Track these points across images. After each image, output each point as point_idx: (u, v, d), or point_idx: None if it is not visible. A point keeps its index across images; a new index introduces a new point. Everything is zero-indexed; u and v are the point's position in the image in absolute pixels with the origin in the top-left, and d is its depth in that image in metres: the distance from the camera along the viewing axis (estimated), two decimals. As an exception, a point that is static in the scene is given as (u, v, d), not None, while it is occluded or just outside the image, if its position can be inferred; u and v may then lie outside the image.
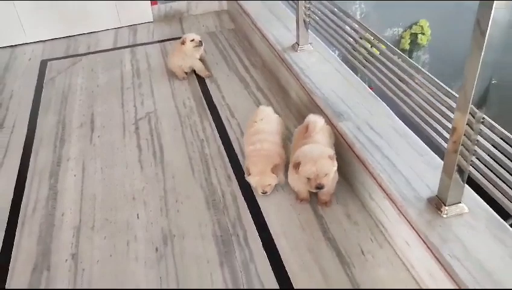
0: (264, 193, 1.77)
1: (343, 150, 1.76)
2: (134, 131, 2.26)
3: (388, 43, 1.70)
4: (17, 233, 1.75)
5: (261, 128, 1.85)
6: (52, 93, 2.65)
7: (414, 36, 3.97)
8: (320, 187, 1.56)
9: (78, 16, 3.24)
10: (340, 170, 1.70)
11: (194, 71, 2.67)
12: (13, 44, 3.22)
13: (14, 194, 1.94)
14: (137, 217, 1.77)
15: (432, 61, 4.20)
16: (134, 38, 3.22)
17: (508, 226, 1.30)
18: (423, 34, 3.92)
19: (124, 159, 2.08)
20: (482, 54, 1.09)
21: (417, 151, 1.63)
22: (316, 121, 1.73)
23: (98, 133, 2.27)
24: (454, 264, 1.22)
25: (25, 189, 1.96)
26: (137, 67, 2.83)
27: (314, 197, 1.76)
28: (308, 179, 1.56)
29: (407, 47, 4.06)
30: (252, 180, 1.77)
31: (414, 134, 1.71)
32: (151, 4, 3.39)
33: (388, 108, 1.86)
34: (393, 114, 1.83)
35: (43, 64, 2.98)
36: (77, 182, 1.97)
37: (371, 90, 1.99)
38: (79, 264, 1.61)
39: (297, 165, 1.57)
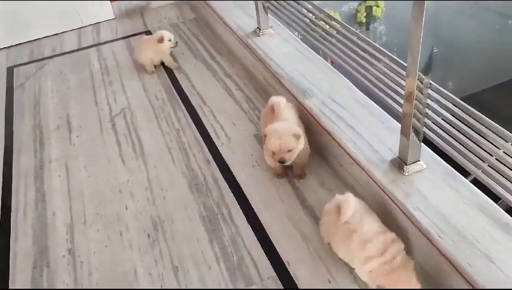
0: (282, 161, 1.70)
1: (311, 124, 1.89)
2: (111, 128, 2.34)
3: (340, 20, 1.84)
4: (12, 236, 1.83)
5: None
6: (23, 99, 2.69)
7: (369, 9, 4.13)
8: (282, 161, 1.69)
9: (39, 19, 3.25)
10: (310, 143, 1.84)
11: (162, 64, 2.75)
12: (-25, 54, 3.22)
13: (1, 200, 2.01)
14: (126, 209, 1.87)
15: (387, 31, 4.37)
16: (99, 36, 3.26)
17: (459, 175, 1.47)
18: (377, 6, 4.08)
19: (105, 155, 2.17)
20: (423, 23, 1.23)
21: (378, 118, 1.78)
22: (279, 101, 1.84)
23: (76, 133, 2.34)
24: (417, 215, 1.38)
25: (12, 194, 2.03)
26: (105, 66, 2.88)
27: (290, 172, 1.90)
28: (273, 152, 1.69)
29: (364, 20, 4.21)
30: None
31: (375, 103, 1.86)
32: (111, 1, 3.42)
33: (349, 81, 2.00)
34: (354, 87, 1.97)
35: (10, 71, 3.00)
36: (63, 182, 2.05)
37: (331, 66, 2.13)
38: (77, 257, 1.71)
39: (264, 138, 1.71)
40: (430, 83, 1.35)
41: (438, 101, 1.38)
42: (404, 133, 1.48)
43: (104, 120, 2.40)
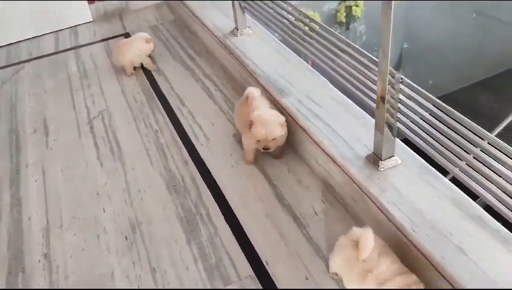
0: (267, 149, 1.77)
1: (287, 122, 1.89)
2: (89, 130, 2.31)
3: (320, 20, 1.84)
4: (-14, 242, 1.80)
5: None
6: None
7: (349, 9, 4.15)
8: (266, 149, 1.76)
9: (16, 23, 3.21)
10: (287, 141, 1.85)
11: (141, 66, 2.73)
12: (-49, 59, 3.17)
13: (-24, 206, 1.98)
14: (104, 211, 1.85)
15: (367, 30, 4.40)
16: (76, 39, 3.24)
17: (434, 169, 1.48)
18: (357, 6, 4.11)
19: (83, 158, 2.15)
20: (392, 13, 1.24)
21: (355, 116, 1.79)
22: (253, 91, 1.91)
23: (53, 136, 2.32)
24: (392, 209, 1.39)
25: (-13, 200, 2.00)
26: (83, 68, 2.86)
27: (268, 170, 1.90)
28: (258, 140, 1.74)
29: (344, 20, 4.23)
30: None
31: (352, 102, 1.86)
32: (89, 3, 3.40)
33: (326, 80, 2.01)
34: (331, 85, 1.98)
35: (-14, 75, 2.96)
36: (39, 186, 2.02)
37: (310, 66, 2.13)
38: (53, 262, 1.68)
39: (250, 124, 1.75)
40: (401, 78, 1.36)
41: (414, 99, 1.38)
42: (377, 128, 1.49)
43: (82, 123, 2.38)
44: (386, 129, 1.46)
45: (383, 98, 1.40)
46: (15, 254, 1.73)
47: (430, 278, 1.26)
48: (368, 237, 1.28)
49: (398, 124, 1.45)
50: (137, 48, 2.64)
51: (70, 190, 1.99)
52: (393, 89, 1.37)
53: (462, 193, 1.41)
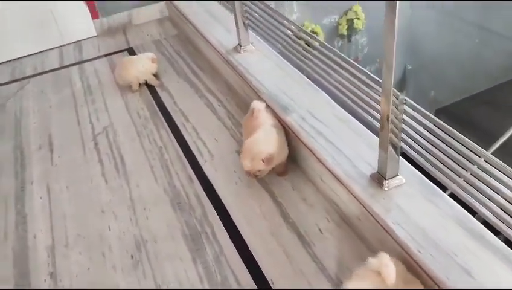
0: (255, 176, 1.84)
1: (291, 139, 1.91)
2: (94, 147, 2.33)
3: (321, 39, 1.86)
4: (-8, 260, 1.81)
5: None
6: (4, 119, 2.67)
7: (350, 21, 4.18)
8: (256, 176, 1.82)
9: (19, 38, 3.24)
10: (292, 158, 1.87)
11: (145, 81, 2.75)
12: (-44, 74, 3.20)
13: (-18, 224, 1.99)
14: (109, 229, 1.86)
15: (369, 43, 4.43)
16: (80, 54, 3.26)
17: (438, 189, 1.49)
18: (358, 18, 4.14)
19: (87, 175, 2.16)
20: (395, 34, 1.25)
21: (357, 134, 1.80)
22: (258, 105, 1.96)
23: (57, 153, 2.33)
24: (397, 230, 1.39)
25: (-7, 217, 2.01)
26: (87, 84, 2.88)
27: (272, 188, 1.91)
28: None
29: (345, 32, 4.26)
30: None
31: (354, 119, 1.88)
32: (93, 18, 3.43)
33: (328, 97, 2.02)
34: (333, 102, 1.99)
35: (-10, 91, 2.99)
36: (44, 204, 2.03)
37: (311, 82, 2.15)
38: (58, 282, 1.69)
39: (250, 123, 1.89)
40: (405, 99, 1.38)
41: (414, 118, 1.41)
42: (382, 147, 1.50)
43: (87, 139, 2.40)
44: (391, 149, 1.47)
45: (386, 118, 1.41)
46: (20, 273, 1.74)
47: (435, 299, 1.27)
48: (388, 265, 1.27)
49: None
50: (142, 66, 2.67)
51: (75, 207, 2.00)
52: (397, 109, 1.38)
53: (465, 211, 1.42)
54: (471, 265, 1.26)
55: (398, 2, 1.18)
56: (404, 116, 1.41)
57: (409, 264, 1.35)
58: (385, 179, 1.54)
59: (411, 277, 1.32)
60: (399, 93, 1.35)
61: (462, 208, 1.42)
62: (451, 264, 1.27)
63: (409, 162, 1.59)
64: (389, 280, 1.26)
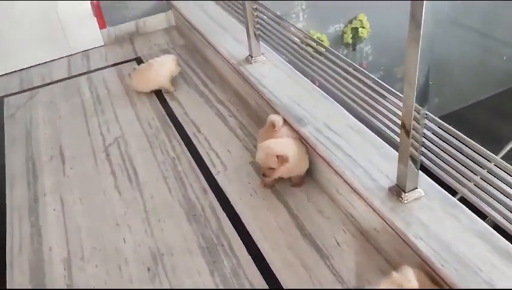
0: (264, 175, 1.85)
1: (308, 152, 1.91)
2: (105, 158, 2.33)
3: (328, 43, 1.87)
4: (7, 273, 1.80)
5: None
6: (15, 129, 2.67)
7: (355, 30, 4.20)
8: (264, 175, 1.84)
9: (27, 48, 3.25)
10: (308, 171, 1.86)
11: (158, 91, 2.77)
12: (-36, 84, 3.20)
13: (-4, 236, 1.99)
14: (124, 242, 1.86)
15: (374, 51, 4.44)
16: (88, 64, 3.27)
17: (458, 202, 1.50)
18: (363, 27, 4.15)
19: (100, 187, 2.16)
20: (420, 49, 1.26)
21: (373, 145, 1.81)
22: (279, 118, 1.96)
23: (69, 164, 2.33)
24: (419, 244, 1.39)
25: (7, 229, 2.00)
26: (97, 94, 2.88)
27: (287, 199, 1.91)
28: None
29: (350, 41, 4.28)
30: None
31: (369, 130, 1.88)
32: (100, 28, 3.43)
33: (342, 108, 2.03)
34: (348, 113, 2.00)
35: (-1, 101, 2.99)
36: (58, 216, 2.03)
37: (324, 93, 2.15)
38: (75, 294, 1.69)
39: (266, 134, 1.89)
40: (426, 114, 1.38)
41: (426, 126, 1.42)
42: (401, 161, 1.51)
43: (98, 150, 2.39)
44: (410, 162, 1.48)
45: (407, 133, 1.42)
46: (37, 286, 1.73)
47: (460, 314, 1.27)
48: (412, 281, 1.28)
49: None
50: (169, 70, 2.71)
51: (90, 219, 1.99)
52: (418, 124, 1.39)
53: (487, 225, 1.43)
54: (496, 280, 1.26)
55: (423, 16, 1.19)
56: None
57: (432, 278, 1.35)
58: (404, 192, 1.54)
59: (434, 287, 1.33)
60: (420, 108, 1.36)
61: (483, 221, 1.42)
62: (476, 279, 1.27)
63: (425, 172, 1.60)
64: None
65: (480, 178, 1.36)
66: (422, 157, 1.48)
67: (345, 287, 1.55)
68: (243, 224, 1.85)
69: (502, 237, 1.38)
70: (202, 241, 1.81)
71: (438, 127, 1.43)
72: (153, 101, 2.73)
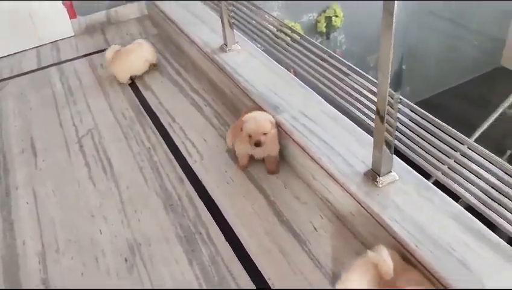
0: (258, 144, 1.81)
1: (283, 138, 1.92)
2: (79, 149, 2.29)
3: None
4: (-20, 269, 1.76)
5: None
6: (-17, 122, 2.60)
7: (329, 19, 4.22)
8: (258, 143, 1.81)
9: (-5, 39, 3.15)
10: (283, 157, 1.88)
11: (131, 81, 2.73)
12: None
13: (-34, 232, 1.93)
14: (100, 233, 1.83)
15: (347, 40, 4.48)
16: (59, 55, 3.19)
17: (432, 185, 1.53)
18: (336, 16, 4.18)
19: (74, 178, 2.12)
20: (393, 35, 1.27)
21: (349, 132, 1.83)
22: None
23: (41, 157, 2.28)
24: (394, 226, 1.42)
25: (-23, 224, 1.95)
26: (68, 85, 2.82)
27: (264, 186, 1.92)
28: (250, 136, 1.81)
29: (324, 29, 4.30)
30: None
31: (345, 117, 1.90)
32: (70, 18, 3.35)
33: (318, 95, 2.04)
34: (323, 100, 2.01)
35: (-34, 93, 2.89)
36: (31, 209, 1.99)
37: (299, 81, 2.16)
38: (52, 288, 1.65)
39: (242, 123, 1.84)
40: (400, 98, 1.40)
41: (404, 113, 1.45)
42: (376, 146, 1.53)
43: (71, 142, 2.35)
44: (385, 147, 1.50)
45: (382, 118, 1.44)
46: (12, 281, 1.70)
47: (435, 293, 1.30)
48: (386, 260, 1.31)
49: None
50: (147, 50, 2.73)
51: (64, 211, 1.96)
52: (392, 109, 1.41)
53: (460, 207, 1.47)
54: (469, 260, 1.29)
55: (396, 3, 1.20)
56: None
57: (407, 259, 1.38)
58: (379, 176, 1.56)
59: (407, 266, 1.36)
60: (394, 93, 1.38)
61: (457, 203, 1.46)
62: (450, 259, 1.30)
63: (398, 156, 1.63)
64: (387, 275, 1.30)
65: (454, 161, 1.40)
66: (397, 142, 1.51)
67: (325, 272, 1.56)
68: (220, 212, 1.85)
69: (475, 218, 1.42)
70: (180, 230, 1.80)
71: (412, 111, 1.47)
72: (126, 91, 2.69)
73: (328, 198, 1.78)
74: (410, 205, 1.48)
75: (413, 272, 1.33)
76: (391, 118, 1.43)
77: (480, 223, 1.39)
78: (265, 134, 1.81)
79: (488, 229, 1.38)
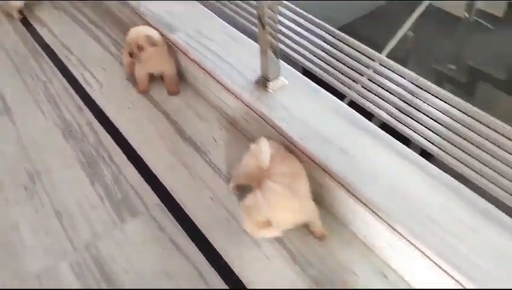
0: (131, 54, 1.86)
1: (180, 57, 1.93)
2: (-33, 88, 2.16)
3: None
4: None
5: None
6: None
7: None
8: (131, 54, 1.85)
9: None
10: (184, 78, 1.90)
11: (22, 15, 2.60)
12: None
13: None
14: (-4, 166, 1.78)
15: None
16: None
17: (319, 87, 1.62)
18: None
19: (-36, 117, 2.01)
20: None
21: (242, 44, 1.86)
22: None
23: None
24: (281, 125, 1.50)
25: None
26: (-50, 24, 2.61)
27: (166, 108, 1.94)
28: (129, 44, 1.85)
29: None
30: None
31: (238, 31, 1.93)
32: None
33: (213, 14, 2.04)
34: (219, 18, 2.02)
35: None
36: None
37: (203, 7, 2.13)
38: None
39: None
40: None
41: (298, 23, 1.46)
42: (262, 51, 1.58)
43: (-43, 81, 2.21)
44: (269, 52, 1.55)
45: (263, 24, 1.48)
46: None
47: (319, 178, 1.41)
48: (263, 151, 1.35)
49: (290, 51, 1.52)
50: None
51: (-44, 150, 1.87)
52: (273, 11, 1.45)
53: (342, 103, 1.57)
54: (347, 146, 1.40)
55: None
56: (297, 28, 1.46)
57: (292, 151, 1.46)
58: (268, 81, 1.63)
59: (288, 154, 1.43)
60: (272, -4, 1.42)
61: (338, 99, 1.56)
62: (331, 148, 1.41)
63: (305, 74, 1.67)
64: (264, 164, 1.34)
65: (367, 79, 1.33)
66: (310, 65, 1.47)
67: (223, 177, 1.63)
68: (122, 136, 1.85)
69: (356, 112, 1.52)
70: (81, 156, 1.79)
71: (321, 29, 1.40)
72: (16, 27, 2.54)
73: (225, 110, 1.83)
74: (297, 104, 1.56)
75: (292, 160, 1.41)
76: (272, 21, 1.47)
77: (361, 115, 1.49)
78: (140, 46, 1.81)
79: (367, 120, 1.49)
